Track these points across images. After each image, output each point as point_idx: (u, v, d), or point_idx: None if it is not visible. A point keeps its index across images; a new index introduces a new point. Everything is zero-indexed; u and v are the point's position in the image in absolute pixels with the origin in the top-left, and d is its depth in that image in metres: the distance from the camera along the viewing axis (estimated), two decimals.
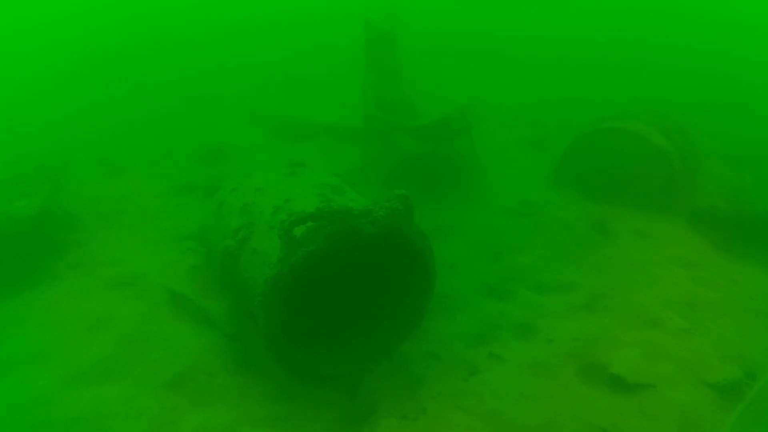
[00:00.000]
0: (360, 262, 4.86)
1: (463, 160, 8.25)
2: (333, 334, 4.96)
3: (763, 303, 6.07)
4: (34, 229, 6.38)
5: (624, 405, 4.62)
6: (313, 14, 15.05)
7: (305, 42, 13.67)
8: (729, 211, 7.04)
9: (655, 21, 14.62)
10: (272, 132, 10.01)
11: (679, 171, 7.55)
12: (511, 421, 4.44)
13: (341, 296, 5.00)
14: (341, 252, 4.54)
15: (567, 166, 8.15)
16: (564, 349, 5.21)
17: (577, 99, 11.01)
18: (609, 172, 7.86)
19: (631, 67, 12.23)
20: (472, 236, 6.98)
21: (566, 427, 4.40)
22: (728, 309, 5.91)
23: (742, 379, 4.92)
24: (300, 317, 4.73)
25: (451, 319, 5.58)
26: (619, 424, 4.43)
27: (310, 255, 4.30)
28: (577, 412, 4.53)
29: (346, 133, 9.41)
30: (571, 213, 7.49)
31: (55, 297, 5.86)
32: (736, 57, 12.62)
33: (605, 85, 11.53)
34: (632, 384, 4.77)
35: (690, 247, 6.99)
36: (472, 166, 8.23)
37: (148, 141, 9.68)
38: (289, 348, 4.59)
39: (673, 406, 4.60)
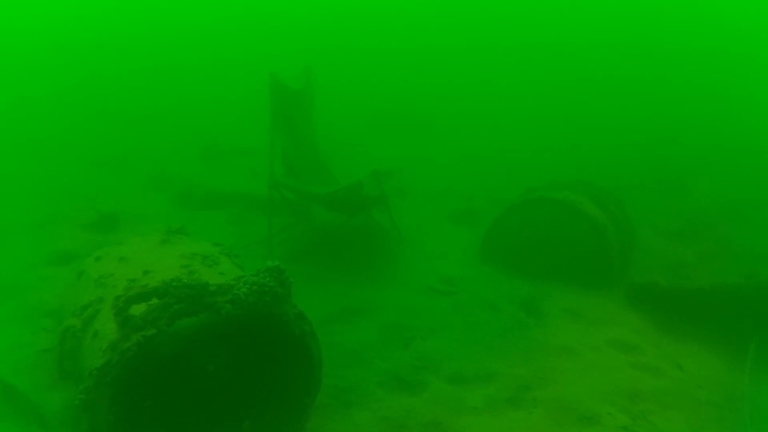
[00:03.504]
0: (224, 349, 3.91)
1: (381, 233, 7.47)
2: None
3: (713, 392, 5.33)
4: None
5: None
6: (235, 79, 14.31)
7: (225, 106, 12.89)
8: (670, 288, 6.36)
9: (591, 87, 14.41)
10: (178, 200, 9.08)
11: (615, 244, 6.90)
12: None
13: (201, 392, 4.01)
14: (196, 337, 3.59)
15: (494, 240, 7.41)
16: None
17: (510, 171, 10.43)
18: (539, 246, 7.15)
19: (566, 137, 11.79)
20: (384, 318, 6.06)
21: None
22: (675, 400, 5.12)
23: None
24: (141, 419, 3.72)
25: (347, 417, 4.61)
26: None
27: (148, 341, 3.35)
28: None
29: (257, 203, 8.55)
30: (496, 291, 6.69)
31: None
32: (674, 127, 12.34)
33: (539, 156, 11.02)
34: None
35: (629, 327, 6.25)
36: (391, 240, 7.45)
37: (35, 205, 8.62)
38: None
39: None
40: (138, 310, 3.45)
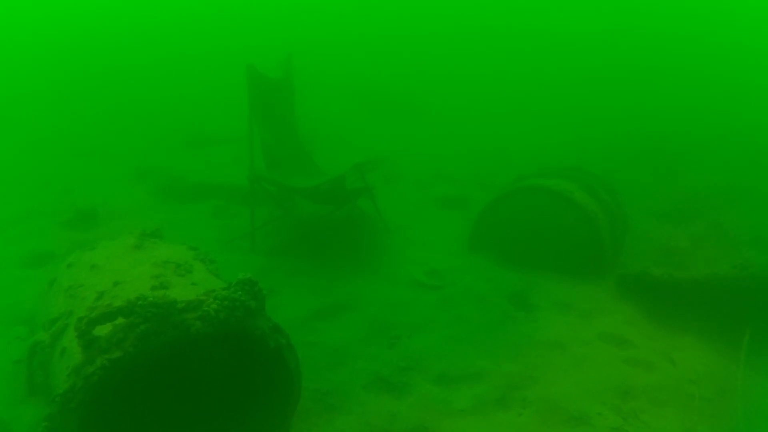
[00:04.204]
0: (196, 366, 3.75)
1: (366, 223, 7.30)
2: None
3: (705, 387, 5.18)
4: None
5: None
6: (217, 70, 13.94)
7: (206, 97, 12.56)
8: (663, 278, 6.18)
9: (583, 72, 14.15)
10: (160, 192, 8.83)
11: (606, 233, 6.73)
12: None
13: (175, 405, 3.85)
14: (165, 355, 3.43)
15: (483, 230, 7.24)
16: None
17: (501, 156, 10.22)
18: (529, 235, 7.00)
19: (557, 122, 11.55)
20: (369, 314, 5.90)
21: None
22: (667, 396, 4.99)
23: None
24: None
25: (330, 423, 4.47)
26: None
27: (114, 363, 3.19)
28: None
29: (241, 194, 8.33)
30: (485, 283, 6.52)
31: None
32: (666, 112, 12.11)
33: (531, 141, 10.80)
34: None
35: (620, 319, 6.09)
36: (376, 230, 7.28)
37: (13, 198, 8.38)
38: None
39: None
40: (104, 330, 3.29)
